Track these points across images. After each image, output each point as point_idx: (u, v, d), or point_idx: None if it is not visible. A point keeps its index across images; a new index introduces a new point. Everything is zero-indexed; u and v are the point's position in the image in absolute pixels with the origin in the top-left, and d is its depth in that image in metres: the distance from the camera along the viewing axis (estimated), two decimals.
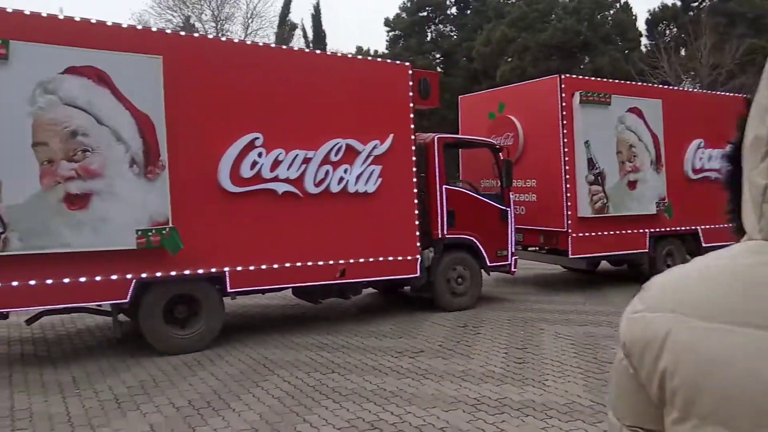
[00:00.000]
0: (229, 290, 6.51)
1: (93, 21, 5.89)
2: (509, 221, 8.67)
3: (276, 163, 6.69)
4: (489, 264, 8.50)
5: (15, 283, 5.45)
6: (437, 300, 8.20)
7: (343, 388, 5.19)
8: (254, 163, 6.56)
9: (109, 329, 6.70)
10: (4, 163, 5.36)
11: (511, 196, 8.81)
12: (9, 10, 5.49)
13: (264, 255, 6.65)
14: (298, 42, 35.64)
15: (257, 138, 6.57)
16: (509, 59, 28.90)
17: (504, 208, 8.65)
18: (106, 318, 6.48)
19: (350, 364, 5.89)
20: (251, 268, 6.58)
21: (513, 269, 8.83)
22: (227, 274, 6.45)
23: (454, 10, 36.72)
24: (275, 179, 6.70)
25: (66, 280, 5.65)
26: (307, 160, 6.88)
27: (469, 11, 35.73)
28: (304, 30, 36.51)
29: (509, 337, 6.84)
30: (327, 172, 7.03)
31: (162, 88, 6.03)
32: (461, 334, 7.01)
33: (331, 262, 7.07)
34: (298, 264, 6.86)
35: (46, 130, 5.53)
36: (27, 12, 5.58)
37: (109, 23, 5.95)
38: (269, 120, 6.68)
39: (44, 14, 5.68)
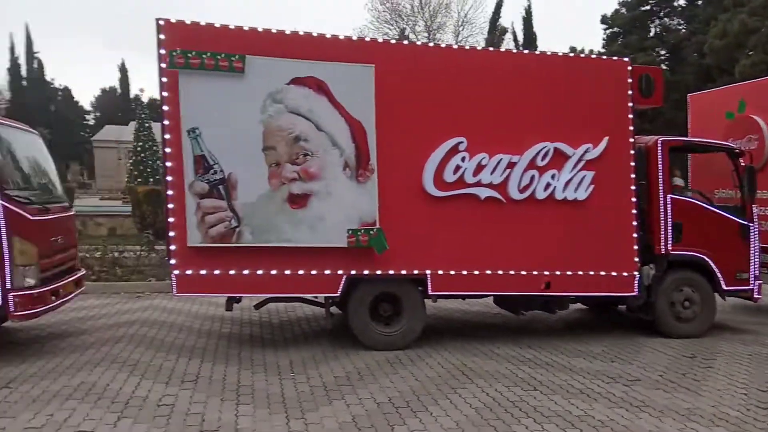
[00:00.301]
0: (430, 292, 6.55)
1: (315, 34, 6.33)
2: (752, 239, 7.42)
3: (479, 168, 6.57)
4: (725, 287, 7.35)
5: (246, 272, 6.10)
6: (658, 323, 7.34)
7: (546, 408, 4.87)
8: (457, 168, 6.51)
9: (323, 320, 7.18)
10: (241, 165, 6.02)
11: (754, 209, 7.54)
12: (246, 28, 6.14)
13: (465, 260, 6.57)
14: (508, 46, 35.25)
15: (461, 142, 6.51)
16: (750, 53, 25.11)
17: (745, 222, 7.43)
18: (321, 309, 6.94)
19: (554, 383, 5.52)
20: (452, 272, 6.54)
21: (756, 295, 7.53)
22: (429, 276, 6.49)
23: (682, 1, 33.14)
24: (478, 184, 6.58)
25: (287, 272, 6.17)
26: (511, 165, 6.64)
27: (700, 1, 31.93)
28: (514, 33, 36.00)
29: (750, 376, 5.83)
30: (532, 178, 6.71)
31: (373, 95, 6.26)
32: (688, 366, 6.16)
33: (535, 272, 6.73)
34: (500, 272, 6.64)
35: (274, 135, 6.08)
36: (260, 29, 6.19)
37: (328, 36, 6.35)
38: (474, 123, 6.57)
39: (274, 30, 6.22)
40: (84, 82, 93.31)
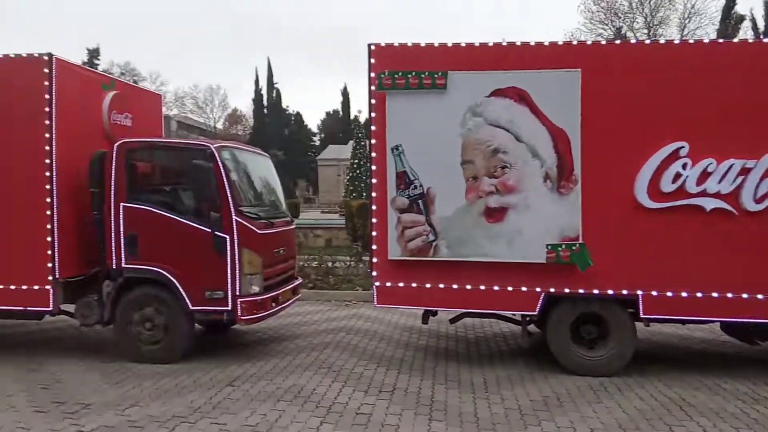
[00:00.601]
0: (642, 315, 5.92)
1: (517, 43, 6.16)
2: None
3: (704, 175, 5.76)
4: None
5: (441, 286, 6.15)
6: None
7: None
8: (677, 176, 5.79)
9: (520, 338, 6.94)
10: (439, 179, 6.10)
11: None
12: (449, 44, 6.22)
13: (685, 280, 5.80)
14: (745, 36, 30.83)
15: (682, 147, 5.79)
16: None
17: None
18: (518, 326, 6.71)
19: None
20: (669, 293, 5.82)
21: None
22: (640, 297, 5.87)
23: None
24: (702, 194, 5.77)
25: (482, 287, 6.08)
26: (745, 171, 5.70)
27: None
28: (753, 21, 31.31)
29: None
30: None
31: (579, 101, 5.91)
32: None
33: None
34: (729, 295, 5.73)
35: (472, 149, 6.07)
36: (462, 44, 6.21)
37: (531, 43, 6.12)
38: (697, 126, 5.80)
39: (476, 44, 6.21)
40: (312, 107, 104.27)
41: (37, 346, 7.22)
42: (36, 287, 6.42)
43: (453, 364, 6.47)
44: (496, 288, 6.06)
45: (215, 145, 6.57)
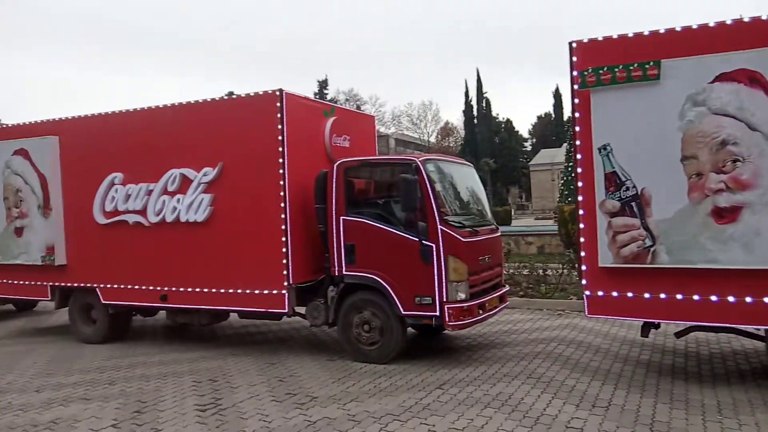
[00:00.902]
0: None
1: (745, 20, 5.41)
2: None
3: None
4: None
5: (663, 296, 5.60)
6: None
7: None
8: None
9: (764, 356, 6.00)
10: (655, 179, 5.60)
11: None
12: (661, 30, 5.70)
13: None
14: None
15: None
16: None
17: None
18: (761, 343, 5.82)
19: None
20: None
21: None
22: None
23: None
24: None
25: (713, 298, 5.40)
26: None
27: None
28: None
29: None
30: None
31: None
32: None
33: None
34: None
35: (695, 143, 5.46)
36: (678, 28, 5.64)
37: (763, 17, 5.33)
38: None
39: (694, 26, 5.60)
40: (523, 112, 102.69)
41: (277, 344, 8.27)
42: (275, 292, 7.35)
43: (680, 381, 5.83)
44: (731, 299, 5.33)
45: (420, 159, 6.88)
